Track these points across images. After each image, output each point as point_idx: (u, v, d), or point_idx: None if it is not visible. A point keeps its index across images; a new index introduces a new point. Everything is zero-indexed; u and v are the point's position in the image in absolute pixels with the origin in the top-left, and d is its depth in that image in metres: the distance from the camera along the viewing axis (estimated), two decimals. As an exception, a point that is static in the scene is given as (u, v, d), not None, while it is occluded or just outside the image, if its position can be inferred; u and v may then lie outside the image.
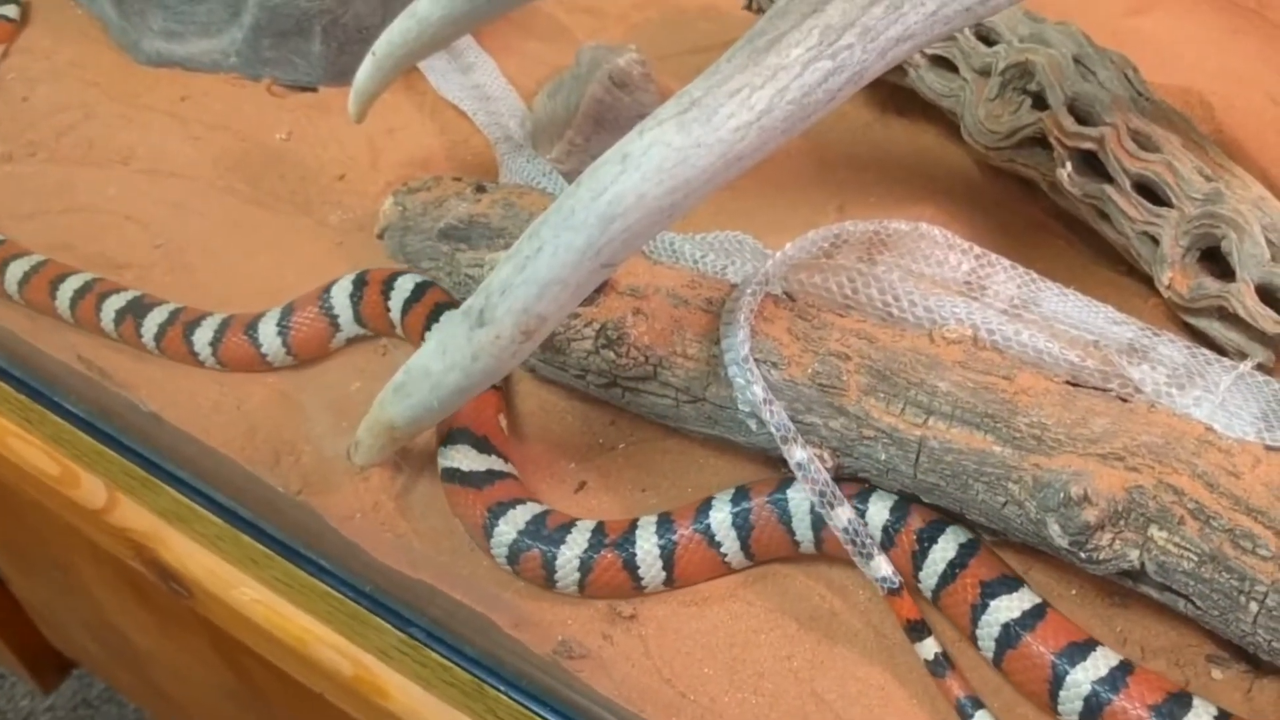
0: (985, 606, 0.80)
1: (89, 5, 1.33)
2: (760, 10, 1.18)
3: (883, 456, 0.82)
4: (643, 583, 0.86)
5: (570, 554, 0.86)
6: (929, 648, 0.82)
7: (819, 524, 0.85)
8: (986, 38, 1.06)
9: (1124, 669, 0.77)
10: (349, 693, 0.91)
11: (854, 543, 0.82)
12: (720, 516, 0.86)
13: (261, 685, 1.24)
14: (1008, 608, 0.80)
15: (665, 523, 0.87)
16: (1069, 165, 0.98)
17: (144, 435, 1.03)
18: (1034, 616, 0.80)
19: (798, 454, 0.82)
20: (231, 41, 1.26)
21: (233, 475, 0.98)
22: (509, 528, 0.87)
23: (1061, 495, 0.76)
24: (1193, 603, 0.76)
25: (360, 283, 1.02)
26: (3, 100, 1.28)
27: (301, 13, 1.21)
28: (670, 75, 1.19)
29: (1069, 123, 0.98)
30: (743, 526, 0.86)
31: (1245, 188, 0.93)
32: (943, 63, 1.09)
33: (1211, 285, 0.92)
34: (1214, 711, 0.75)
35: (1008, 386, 0.81)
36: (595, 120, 1.11)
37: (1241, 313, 0.90)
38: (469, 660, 0.88)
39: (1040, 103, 1.01)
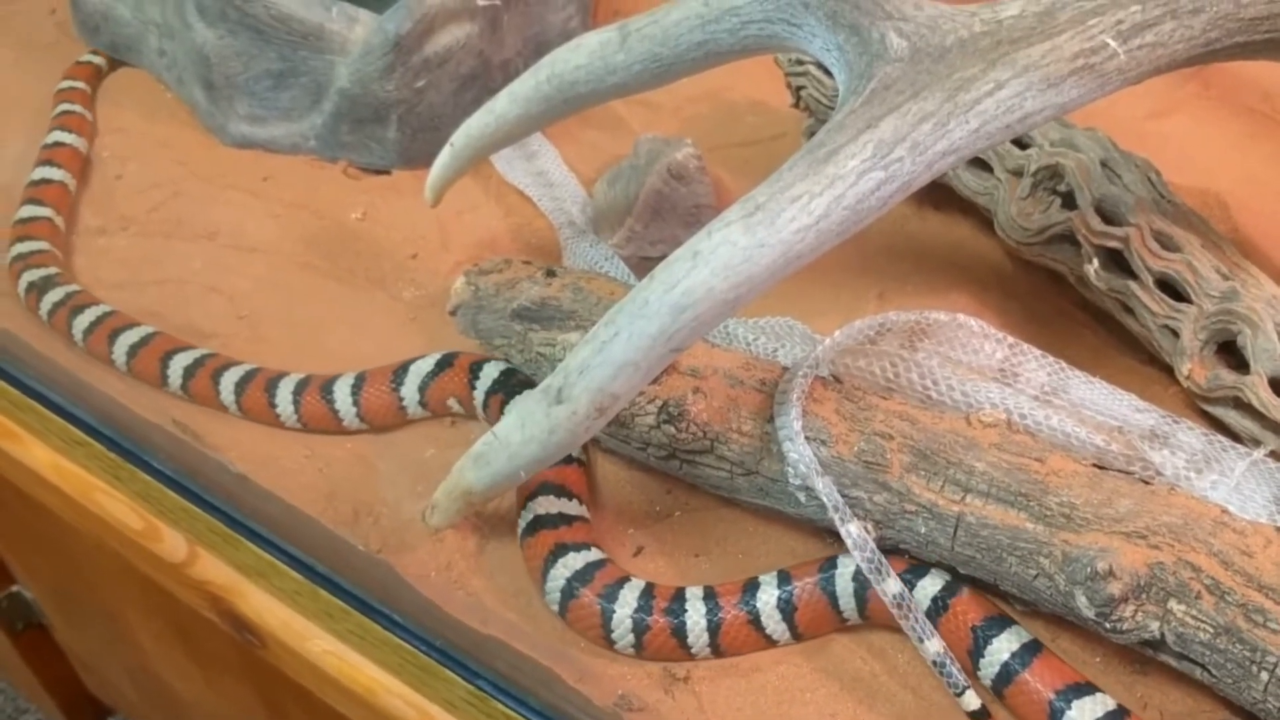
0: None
1: (178, 89, 1.40)
2: (807, 108, 1.25)
3: (923, 530, 0.88)
4: (692, 650, 0.92)
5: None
6: None
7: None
8: (1020, 141, 1.12)
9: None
10: (414, 741, 0.96)
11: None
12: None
13: (307, 738, 1.29)
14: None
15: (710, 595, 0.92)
16: (1095, 262, 1.04)
17: (227, 493, 1.07)
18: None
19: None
20: (311, 126, 1.32)
21: (313, 533, 1.03)
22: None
23: (1089, 570, 0.81)
24: (1208, 671, 0.81)
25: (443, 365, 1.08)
26: (98, 177, 1.34)
27: (380, 102, 1.27)
28: (720, 166, 1.25)
29: (1096, 222, 1.03)
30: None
31: (1259, 286, 0.98)
32: (978, 163, 1.14)
33: (1227, 377, 0.97)
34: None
35: (1039, 468, 0.86)
36: (654, 210, 1.17)
37: (1255, 403, 0.95)
38: (533, 712, 0.93)
39: (1069, 202, 1.06)
